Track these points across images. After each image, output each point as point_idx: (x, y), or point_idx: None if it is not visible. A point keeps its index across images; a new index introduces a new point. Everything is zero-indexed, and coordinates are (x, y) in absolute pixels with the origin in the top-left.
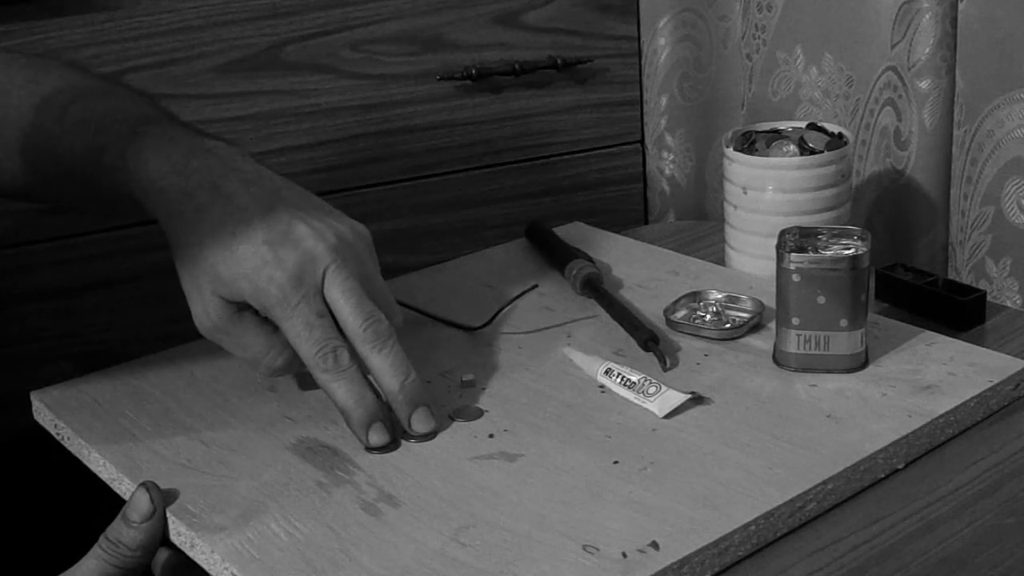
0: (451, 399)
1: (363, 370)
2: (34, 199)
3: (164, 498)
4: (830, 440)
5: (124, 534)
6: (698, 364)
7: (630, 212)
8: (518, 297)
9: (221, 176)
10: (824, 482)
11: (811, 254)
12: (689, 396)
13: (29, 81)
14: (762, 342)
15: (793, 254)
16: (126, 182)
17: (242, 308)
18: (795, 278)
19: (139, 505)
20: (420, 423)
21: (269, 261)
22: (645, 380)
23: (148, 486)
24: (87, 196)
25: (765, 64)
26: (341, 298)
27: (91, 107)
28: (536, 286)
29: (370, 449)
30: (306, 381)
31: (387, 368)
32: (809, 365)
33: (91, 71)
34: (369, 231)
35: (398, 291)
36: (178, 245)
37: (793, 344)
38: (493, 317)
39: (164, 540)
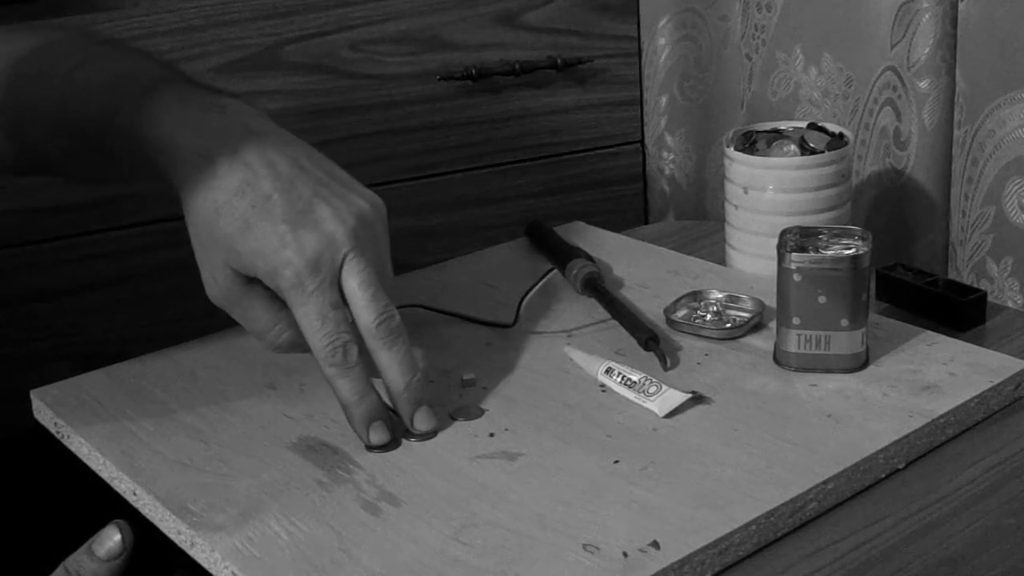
0: (452, 398)
1: (368, 366)
2: (49, 171)
3: (133, 539)
4: (830, 440)
5: (85, 567)
6: (698, 364)
7: (630, 212)
8: (537, 283)
9: (239, 139)
10: (824, 482)
11: (812, 254)
12: (689, 396)
13: (31, 49)
14: (762, 342)
15: (794, 254)
16: (140, 144)
17: (252, 280)
18: (796, 278)
19: (108, 542)
20: (422, 422)
21: (288, 243)
22: (646, 379)
23: (121, 525)
24: (102, 162)
25: (765, 64)
26: (358, 290)
27: (100, 70)
28: (553, 269)
29: (370, 447)
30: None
31: (395, 365)
32: (809, 365)
33: (97, 34)
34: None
35: (399, 291)
36: (192, 210)
37: (794, 344)
38: (518, 311)
39: None
